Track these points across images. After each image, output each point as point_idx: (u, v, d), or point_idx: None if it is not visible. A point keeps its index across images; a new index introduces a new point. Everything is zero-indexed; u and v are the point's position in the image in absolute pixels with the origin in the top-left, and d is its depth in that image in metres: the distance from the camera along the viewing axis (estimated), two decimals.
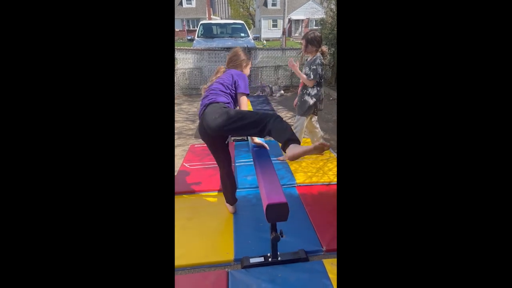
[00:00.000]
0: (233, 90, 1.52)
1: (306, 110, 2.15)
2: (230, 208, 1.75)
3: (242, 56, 1.67)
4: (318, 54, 2.06)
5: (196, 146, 2.75)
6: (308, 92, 2.12)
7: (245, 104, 1.53)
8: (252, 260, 1.34)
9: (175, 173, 2.20)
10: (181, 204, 1.84)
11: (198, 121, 3.63)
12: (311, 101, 2.12)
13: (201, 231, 1.61)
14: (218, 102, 1.42)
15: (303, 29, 22.39)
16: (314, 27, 15.50)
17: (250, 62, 1.73)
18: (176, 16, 22.87)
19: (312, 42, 2.02)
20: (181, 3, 23.79)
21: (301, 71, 2.12)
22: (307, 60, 2.16)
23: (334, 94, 4.50)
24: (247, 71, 1.70)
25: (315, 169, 2.24)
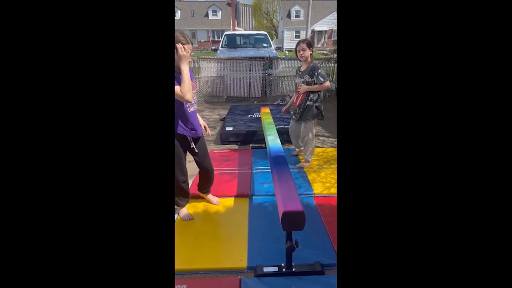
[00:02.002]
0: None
1: (312, 115, 2.21)
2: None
3: (177, 38, 1.33)
4: (314, 61, 2.18)
5: (214, 151, 2.79)
6: (310, 98, 2.18)
7: (177, 95, 1.35)
8: (266, 269, 1.31)
9: (193, 177, 2.23)
10: (196, 208, 1.86)
11: (218, 128, 3.68)
12: (314, 106, 2.19)
13: (215, 236, 1.61)
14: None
15: (326, 40, 22.37)
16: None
17: (183, 46, 1.34)
18: (202, 27, 23.79)
19: (310, 45, 2.13)
20: (207, 15, 24.75)
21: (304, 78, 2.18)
22: (299, 70, 2.25)
23: None
24: (180, 58, 1.33)
25: (333, 180, 2.17)
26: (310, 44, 2.13)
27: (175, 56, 1.35)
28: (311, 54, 2.12)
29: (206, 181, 1.83)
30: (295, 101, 2.29)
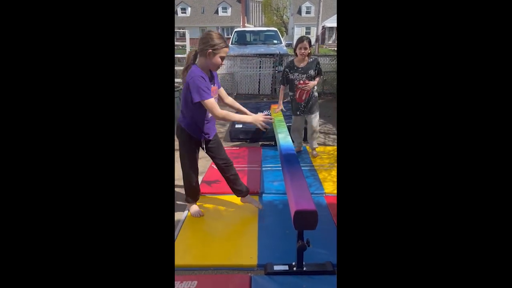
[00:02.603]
0: (189, 102, 1.39)
1: (317, 105, 2.42)
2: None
3: (215, 40, 1.33)
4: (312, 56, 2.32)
5: (224, 148, 2.79)
6: (316, 89, 2.39)
7: (211, 109, 1.37)
8: (276, 268, 1.30)
9: (203, 174, 2.24)
10: (207, 204, 1.86)
11: (227, 125, 3.69)
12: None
13: (226, 232, 1.62)
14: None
15: (336, 36, 22.07)
16: None
17: (222, 50, 1.36)
18: (212, 24, 23.80)
19: (310, 43, 2.26)
20: (217, 12, 24.75)
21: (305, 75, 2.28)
22: (296, 67, 2.29)
23: None
24: (216, 60, 1.37)
25: None
26: (310, 42, 2.27)
27: (208, 60, 1.37)
28: (309, 52, 2.26)
29: (232, 176, 1.71)
30: (297, 96, 2.33)
